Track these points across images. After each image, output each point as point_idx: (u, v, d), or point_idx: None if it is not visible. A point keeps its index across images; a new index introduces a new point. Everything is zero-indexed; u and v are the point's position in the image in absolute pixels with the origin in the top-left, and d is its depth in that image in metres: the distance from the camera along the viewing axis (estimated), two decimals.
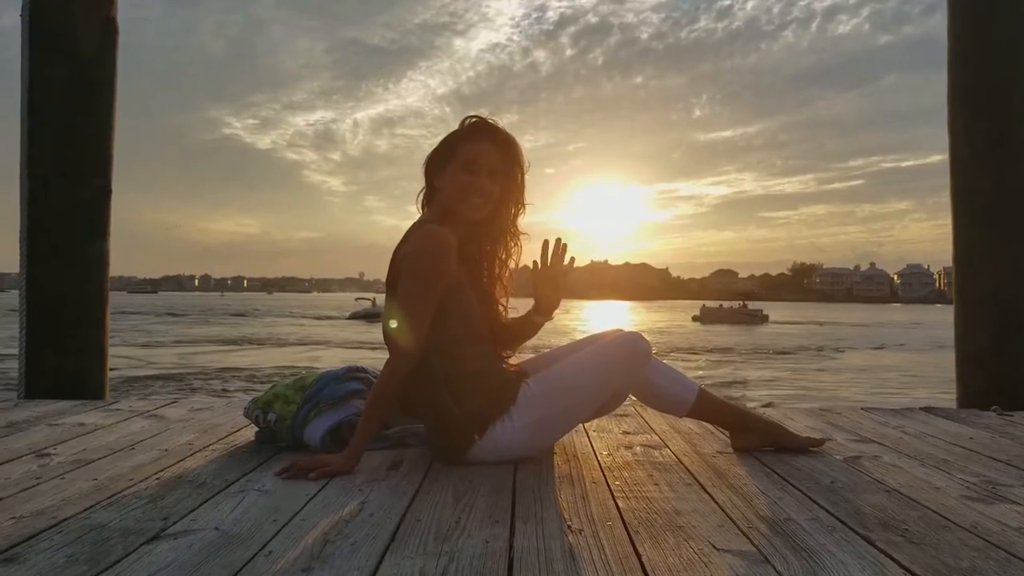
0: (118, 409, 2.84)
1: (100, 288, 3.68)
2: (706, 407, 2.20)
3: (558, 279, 2.13)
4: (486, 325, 2.11)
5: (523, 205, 2.13)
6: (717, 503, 1.68)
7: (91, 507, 1.60)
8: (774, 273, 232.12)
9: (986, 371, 3.40)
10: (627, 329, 2.19)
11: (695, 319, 58.48)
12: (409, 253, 1.96)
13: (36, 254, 3.53)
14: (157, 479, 1.84)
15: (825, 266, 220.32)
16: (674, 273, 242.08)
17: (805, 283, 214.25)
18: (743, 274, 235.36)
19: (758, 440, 2.21)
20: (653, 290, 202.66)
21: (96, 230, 3.65)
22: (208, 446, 2.23)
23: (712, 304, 64.76)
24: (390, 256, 2.06)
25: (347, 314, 55.28)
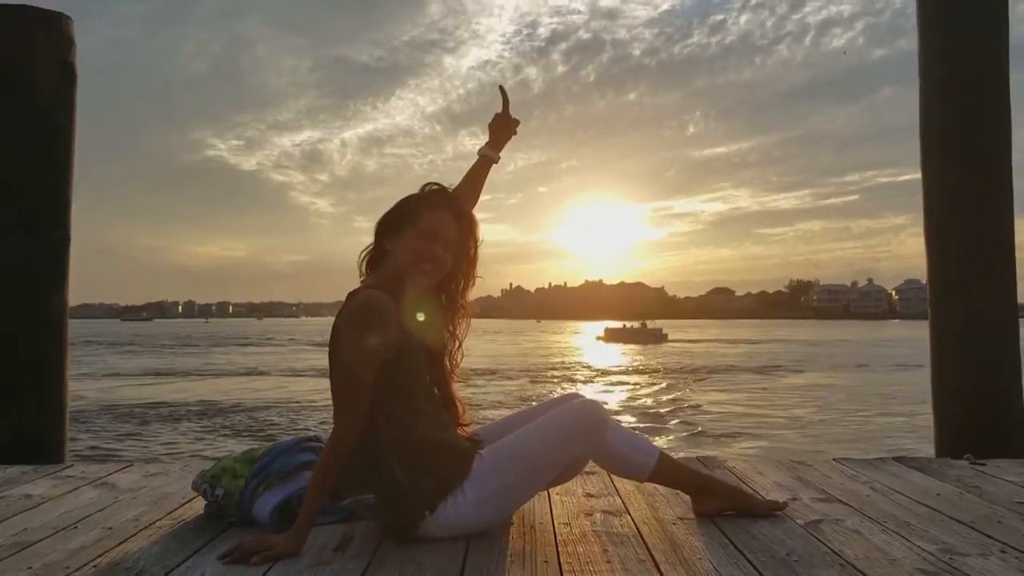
0: (69, 476, 2.81)
1: (60, 340, 3.67)
2: (666, 472, 2.20)
3: (510, 123, 2.43)
4: (437, 393, 2.12)
5: (473, 279, 2.14)
6: None
7: None
8: (771, 291, 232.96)
9: (963, 412, 3.41)
10: (581, 396, 2.20)
11: (599, 339, 62.55)
12: (345, 320, 1.97)
13: None
14: (94, 567, 1.83)
15: (822, 283, 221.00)
16: (670, 292, 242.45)
17: (802, 300, 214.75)
18: (740, 292, 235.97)
19: (719, 504, 2.21)
20: (649, 310, 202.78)
21: (54, 281, 3.63)
22: (155, 522, 2.21)
23: (615, 324, 69.74)
24: None
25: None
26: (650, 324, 66.38)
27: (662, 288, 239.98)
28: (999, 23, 3.44)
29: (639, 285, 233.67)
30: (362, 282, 2.10)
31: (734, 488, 2.27)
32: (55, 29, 3.55)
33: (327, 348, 2.01)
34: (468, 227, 2.13)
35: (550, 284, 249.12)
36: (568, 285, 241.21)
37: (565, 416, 2.08)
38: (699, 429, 14.12)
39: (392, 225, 2.09)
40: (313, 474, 1.94)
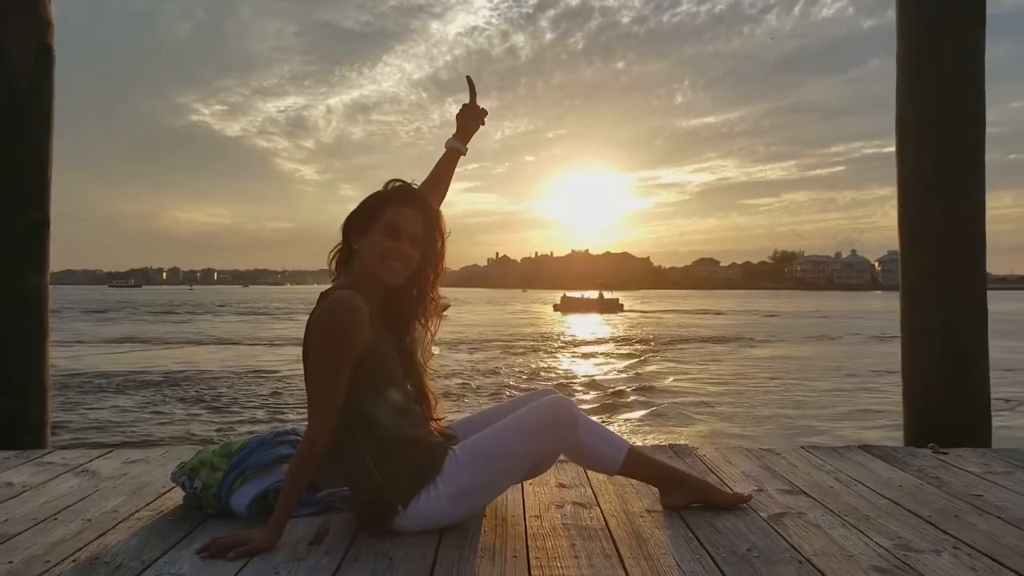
0: (50, 463, 2.84)
1: (41, 324, 3.67)
2: (635, 466, 2.26)
3: (478, 113, 2.46)
4: (411, 389, 2.16)
5: (440, 273, 2.17)
6: None
7: None
8: (755, 261, 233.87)
9: (931, 403, 3.49)
10: (554, 393, 2.25)
11: (555, 308, 61.11)
12: (316, 322, 1.99)
13: None
14: (73, 561, 1.86)
15: (806, 254, 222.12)
16: (656, 262, 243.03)
17: (786, 271, 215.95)
18: (725, 263, 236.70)
19: (686, 497, 2.27)
20: (635, 280, 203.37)
21: (33, 263, 3.63)
22: (134, 513, 2.25)
23: (573, 293, 67.77)
24: None
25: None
26: (608, 295, 65.22)
27: (647, 258, 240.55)
28: (976, 13, 3.46)
29: (625, 255, 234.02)
30: (333, 281, 2.12)
31: (700, 481, 2.34)
32: (31, 11, 3.52)
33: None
34: (434, 222, 2.15)
35: (536, 253, 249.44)
36: (554, 255, 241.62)
37: (537, 413, 2.12)
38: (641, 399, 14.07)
39: (358, 224, 2.10)
40: (288, 471, 1.98)
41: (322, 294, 2.06)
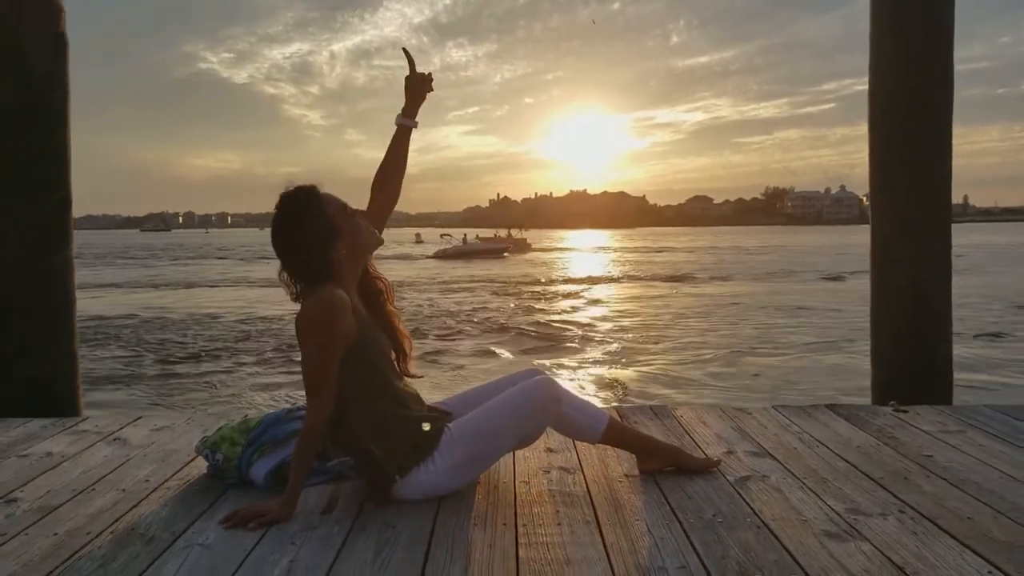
0: (84, 431, 2.98)
1: (67, 296, 3.78)
2: (615, 435, 2.38)
3: (422, 82, 2.40)
4: (401, 366, 2.29)
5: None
6: (605, 547, 1.87)
7: (49, 574, 1.76)
8: (748, 198, 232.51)
9: (898, 361, 3.60)
10: (540, 373, 2.37)
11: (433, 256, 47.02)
12: (301, 322, 2.08)
13: (1, 267, 3.60)
14: (111, 532, 2.00)
15: (797, 190, 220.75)
16: (651, 200, 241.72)
17: (778, 207, 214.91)
18: (718, 200, 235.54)
19: (661, 463, 2.40)
20: (631, 218, 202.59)
21: (58, 241, 3.72)
22: (164, 482, 2.39)
23: (487, 234, 58.29)
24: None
25: (431, 252, 47.50)
26: (518, 233, 58.36)
27: (643, 197, 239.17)
28: None
29: (621, 194, 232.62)
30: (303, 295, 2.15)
31: (673, 448, 2.46)
32: (46, 1, 3.53)
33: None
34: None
35: (536, 194, 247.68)
36: (553, 195, 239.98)
37: (524, 393, 2.24)
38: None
39: (326, 238, 2.11)
40: (295, 451, 2.10)
41: (306, 293, 2.13)
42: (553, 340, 13.56)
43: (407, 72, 2.41)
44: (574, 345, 13.06)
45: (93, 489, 2.34)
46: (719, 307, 18.70)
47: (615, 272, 33.94)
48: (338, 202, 2.18)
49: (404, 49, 2.42)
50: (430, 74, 2.42)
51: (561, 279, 29.82)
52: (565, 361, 11.54)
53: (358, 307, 2.17)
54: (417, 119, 2.43)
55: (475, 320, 16.38)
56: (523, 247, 54.11)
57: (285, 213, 2.14)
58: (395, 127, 2.42)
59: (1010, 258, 35.61)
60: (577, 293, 23.30)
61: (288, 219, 2.13)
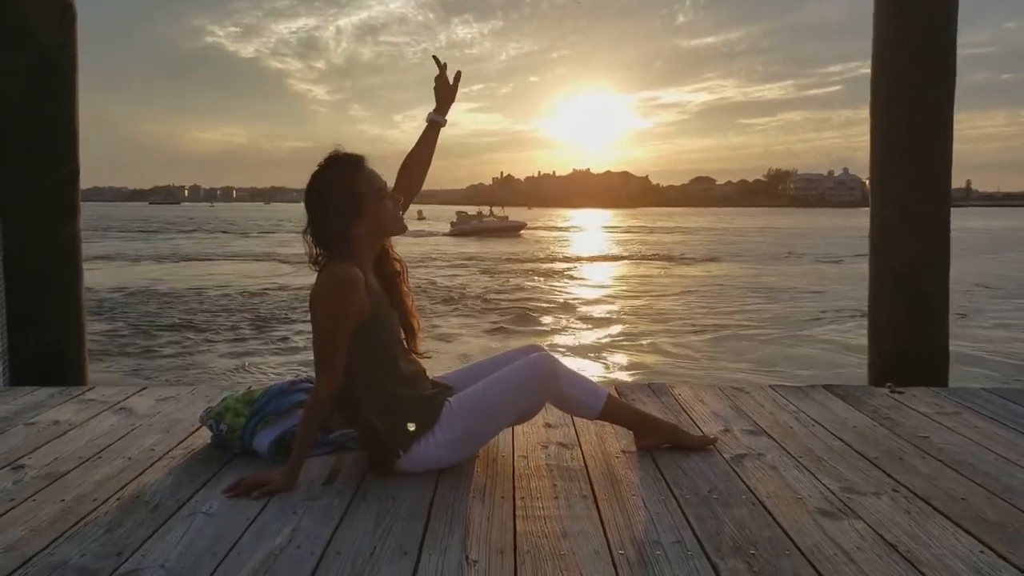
0: (91, 400, 3.00)
1: (75, 267, 3.79)
2: (613, 412, 2.39)
3: (450, 86, 2.45)
4: (409, 344, 2.29)
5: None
6: (602, 521, 1.89)
7: (56, 539, 1.78)
8: (751, 179, 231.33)
9: (894, 345, 3.61)
10: (540, 350, 2.37)
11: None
12: (315, 296, 2.09)
13: (11, 239, 3.61)
14: (117, 500, 2.02)
15: (800, 172, 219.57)
16: (654, 181, 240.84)
17: (780, 188, 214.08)
18: (721, 181, 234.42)
19: (658, 439, 2.41)
20: (633, 198, 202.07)
21: (68, 212, 3.73)
22: (168, 452, 2.41)
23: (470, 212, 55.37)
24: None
25: (447, 229, 47.04)
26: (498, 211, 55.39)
27: (646, 177, 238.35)
28: None
29: (624, 174, 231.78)
30: (320, 267, 2.15)
31: (670, 425, 2.47)
32: None
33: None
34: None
35: (539, 172, 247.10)
36: (556, 174, 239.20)
37: (523, 369, 2.24)
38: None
39: (351, 208, 2.11)
40: (300, 422, 2.11)
41: (321, 268, 2.14)
42: (525, 318, 13.59)
43: (437, 74, 2.45)
44: (542, 322, 13.14)
45: (99, 457, 2.36)
46: (701, 287, 18.72)
47: (604, 251, 33.79)
48: (377, 181, 2.18)
49: (434, 57, 2.47)
50: (459, 73, 2.47)
51: (551, 258, 29.70)
52: (521, 339, 11.60)
53: (372, 284, 2.17)
54: (447, 119, 2.49)
55: (454, 296, 16.39)
56: (511, 228, 49.72)
57: (323, 174, 2.15)
58: (426, 123, 2.47)
59: (999, 243, 35.29)
60: (562, 272, 23.21)
61: (323, 180, 2.15)
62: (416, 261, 26.47)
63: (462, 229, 45.67)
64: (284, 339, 11.34)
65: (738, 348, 10.64)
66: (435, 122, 2.47)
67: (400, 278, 2.34)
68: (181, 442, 2.51)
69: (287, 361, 9.79)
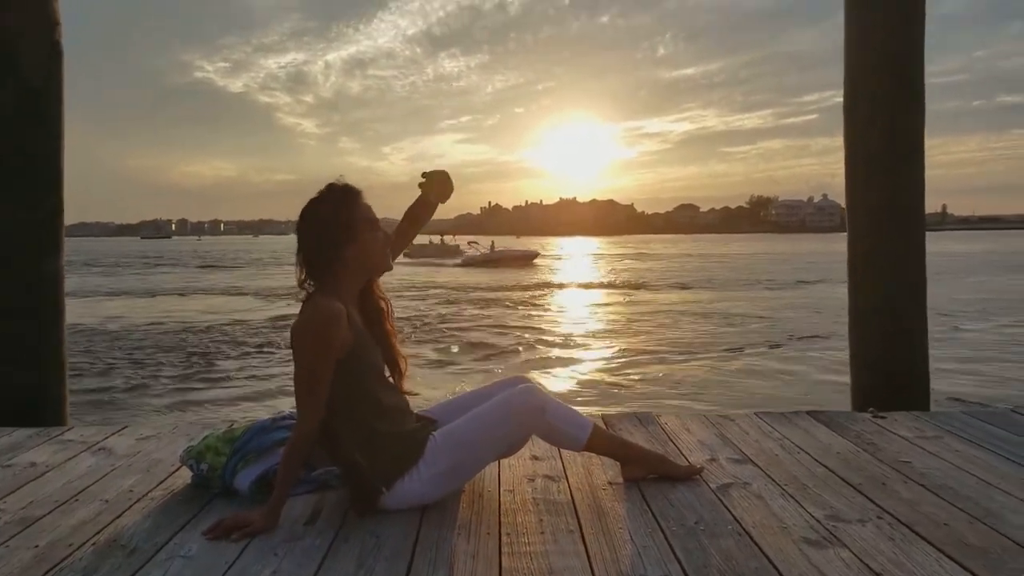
0: (69, 441, 2.93)
1: (57, 303, 3.74)
2: (598, 443, 2.36)
3: (446, 179, 2.43)
4: (392, 382, 2.26)
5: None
6: (588, 556, 1.85)
7: None
8: (733, 206, 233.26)
9: (876, 371, 3.62)
10: (525, 382, 2.35)
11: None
12: (297, 330, 2.06)
13: None
14: (93, 544, 1.96)
15: (781, 198, 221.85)
16: (639, 208, 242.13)
17: (762, 215, 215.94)
18: (704, 208, 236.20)
19: (644, 470, 2.39)
20: (619, 225, 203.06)
21: (49, 248, 3.69)
22: (147, 493, 2.35)
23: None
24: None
25: (459, 260, 46.54)
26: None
27: (631, 205, 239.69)
28: (917, 13, 3.49)
29: (610, 202, 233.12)
30: (311, 290, 2.14)
31: (656, 455, 2.45)
32: (40, 13, 3.52)
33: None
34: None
35: (527, 202, 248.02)
36: (543, 203, 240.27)
37: (509, 402, 2.21)
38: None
39: (343, 235, 2.12)
40: (282, 460, 2.07)
41: (303, 302, 2.12)
42: (479, 345, 13.53)
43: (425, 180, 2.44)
44: (492, 347, 13.15)
45: (76, 499, 2.31)
46: (658, 313, 18.85)
47: (579, 279, 33.54)
48: (370, 215, 2.18)
49: (422, 177, 2.45)
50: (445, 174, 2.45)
51: (518, 285, 29.46)
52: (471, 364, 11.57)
53: (355, 319, 2.15)
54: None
55: (413, 325, 16.29)
56: (524, 257, 48.62)
57: (320, 198, 2.16)
58: (424, 198, 2.46)
59: (968, 268, 35.45)
60: (528, 300, 22.97)
61: (319, 203, 2.14)
62: (417, 289, 26.43)
63: (474, 259, 45.11)
64: (223, 378, 10.78)
65: (649, 372, 10.82)
66: (431, 203, 2.46)
67: (384, 315, 2.31)
68: (161, 482, 2.45)
69: (223, 396, 9.39)
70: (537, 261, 46.44)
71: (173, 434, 3.01)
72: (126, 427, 3.15)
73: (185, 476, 2.46)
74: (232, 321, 16.86)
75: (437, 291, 25.75)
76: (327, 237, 2.11)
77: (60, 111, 3.67)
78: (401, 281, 29.05)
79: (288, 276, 2.14)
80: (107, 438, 2.97)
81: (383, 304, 2.32)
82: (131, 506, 2.24)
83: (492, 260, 44.31)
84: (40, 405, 3.52)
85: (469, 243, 53.03)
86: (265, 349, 12.77)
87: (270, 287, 26.40)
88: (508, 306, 20.79)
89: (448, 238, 58.81)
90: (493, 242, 50.81)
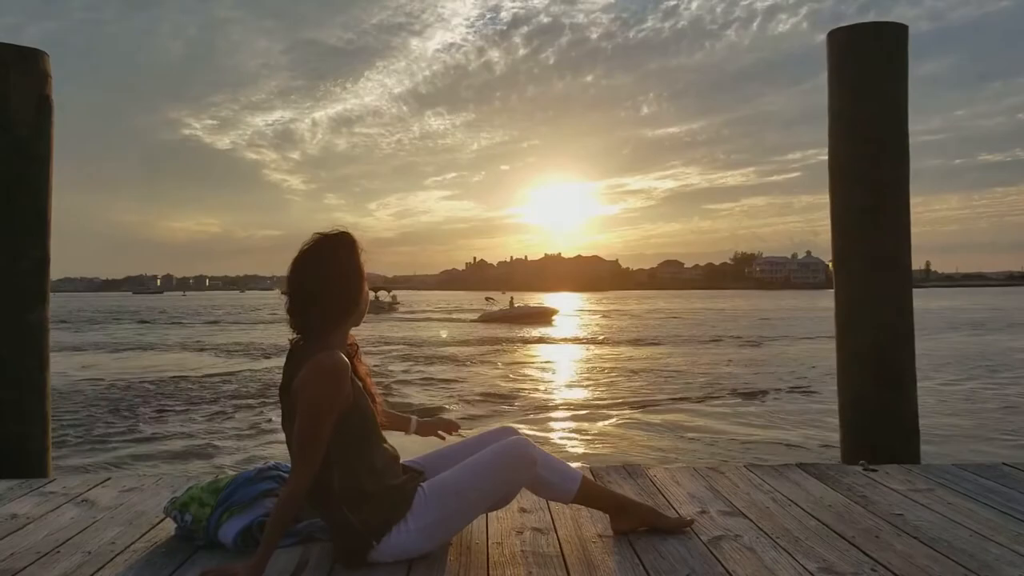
0: (51, 492, 2.88)
1: (41, 355, 3.70)
2: (588, 495, 2.34)
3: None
4: (383, 437, 2.25)
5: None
6: None
7: None
8: (717, 262, 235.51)
9: (864, 422, 3.61)
10: (515, 434, 2.33)
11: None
12: (305, 384, 2.00)
13: None
14: None
15: (765, 255, 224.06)
16: (624, 264, 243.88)
17: (746, 271, 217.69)
18: (688, 264, 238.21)
19: (634, 523, 2.36)
20: (604, 281, 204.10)
21: (35, 299, 3.66)
22: (130, 545, 2.30)
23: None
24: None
25: (475, 316, 46.10)
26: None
27: (616, 261, 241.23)
28: (899, 68, 3.60)
29: (595, 258, 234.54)
30: (303, 344, 2.12)
31: (647, 508, 2.42)
32: (32, 66, 3.56)
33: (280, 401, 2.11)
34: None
35: (512, 257, 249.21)
36: (528, 258, 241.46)
37: (499, 454, 2.20)
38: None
39: (357, 282, 2.12)
40: (272, 514, 2.02)
41: (298, 354, 2.09)
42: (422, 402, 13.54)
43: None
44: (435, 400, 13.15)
45: (58, 552, 2.25)
46: (607, 367, 19.03)
47: (545, 333, 33.59)
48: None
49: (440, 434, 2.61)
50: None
51: (476, 340, 29.45)
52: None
53: (354, 375, 2.14)
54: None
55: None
56: (542, 314, 45.85)
57: (339, 243, 2.10)
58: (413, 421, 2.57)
59: (951, 324, 35.68)
60: (476, 357, 22.76)
61: (340, 249, 2.09)
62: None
63: (493, 315, 44.57)
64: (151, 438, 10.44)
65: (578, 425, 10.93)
66: (414, 427, 2.57)
67: (356, 359, 2.28)
68: (144, 535, 2.40)
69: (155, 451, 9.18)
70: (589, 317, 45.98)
71: (156, 486, 2.95)
72: (109, 478, 3.09)
73: (169, 528, 2.41)
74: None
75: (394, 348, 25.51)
76: (352, 284, 2.10)
77: (49, 163, 3.69)
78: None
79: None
80: (90, 489, 2.91)
81: (353, 348, 2.28)
82: (113, 558, 2.19)
83: (511, 317, 43.88)
84: (22, 456, 3.46)
85: (486, 298, 53.07)
86: None
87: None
88: (456, 362, 20.68)
89: (383, 294, 57.63)
90: (512, 298, 49.60)
